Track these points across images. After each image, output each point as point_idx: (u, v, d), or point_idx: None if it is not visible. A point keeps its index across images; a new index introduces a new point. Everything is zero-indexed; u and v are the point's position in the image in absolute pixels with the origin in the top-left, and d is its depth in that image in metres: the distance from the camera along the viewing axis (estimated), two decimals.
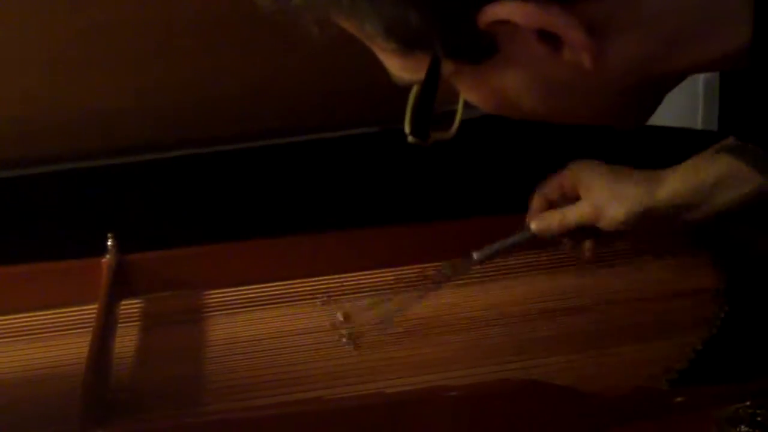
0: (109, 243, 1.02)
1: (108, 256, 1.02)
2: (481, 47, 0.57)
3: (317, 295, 1.03)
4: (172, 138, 1.24)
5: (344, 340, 0.94)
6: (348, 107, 1.25)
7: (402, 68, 0.60)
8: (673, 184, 0.89)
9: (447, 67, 0.59)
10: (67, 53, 1.13)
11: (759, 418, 0.74)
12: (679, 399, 0.80)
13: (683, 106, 1.59)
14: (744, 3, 0.56)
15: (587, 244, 0.97)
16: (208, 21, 1.14)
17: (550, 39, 0.55)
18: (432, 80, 0.59)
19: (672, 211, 0.89)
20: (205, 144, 1.26)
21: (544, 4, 0.53)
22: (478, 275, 1.05)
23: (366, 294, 1.03)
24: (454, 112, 0.65)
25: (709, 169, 0.87)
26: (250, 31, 1.03)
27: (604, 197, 0.90)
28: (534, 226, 0.95)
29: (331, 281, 1.05)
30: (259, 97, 1.24)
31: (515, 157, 1.25)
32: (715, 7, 0.56)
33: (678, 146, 1.29)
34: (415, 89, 0.63)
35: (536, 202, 0.97)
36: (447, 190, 1.21)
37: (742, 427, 0.74)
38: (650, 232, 0.96)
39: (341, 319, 0.98)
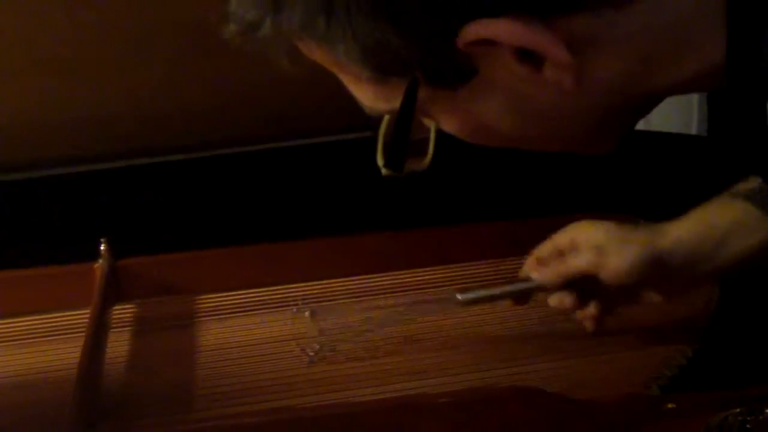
0: (101, 248, 1.02)
1: (101, 261, 1.02)
2: (460, 70, 0.56)
3: (309, 301, 1.03)
4: (163, 143, 1.24)
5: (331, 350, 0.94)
6: (339, 112, 1.25)
7: (376, 98, 0.59)
8: (681, 230, 0.83)
9: (423, 93, 0.57)
10: (58, 58, 1.13)
11: (748, 426, 0.74)
12: (669, 405, 0.80)
13: (678, 111, 1.59)
14: (718, 23, 0.56)
15: (591, 308, 0.90)
16: (201, 26, 1.14)
17: (529, 58, 0.55)
18: (409, 107, 0.57)
19: (681, 262, 0.82)
20: (197, 148, 1.26)
21: (526, 21, 0.53)
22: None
23: (359, 299, 1.03)
24: (423, 141, 0.64)
25: (723, 214, 0.82)
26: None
27: (609, 243, 0.84)
28: (535, 274, 0.88)
29: (323, 286, 1.04)
30: (251, 101, 1.24)
31: (507, 164, 1.25)
32: (690, 27, 0.56)
33: (673, 152, 1.30)
34: (386, 120, 0.62)
35: (529, 264, 0.90)
36: (439, 196, 1.21)
37: None
38: (661, 291, 0.86)
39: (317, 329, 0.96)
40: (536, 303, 0.97)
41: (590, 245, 0.84)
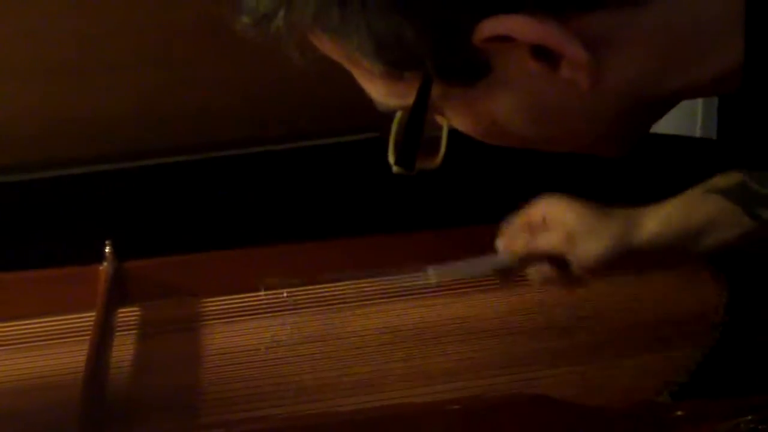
0: (106, 250, 1.02)
1: (106, 264, 1.01)
2: (474, 66, 0.55)
3: (315, 304, 1.02)
4: (169, 144, 1.24)
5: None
6: (346, 113, 1.25)
7: (388, 93, 0.58)
8: (657, 226, 0.84)
9: (436, 90, 0.56)
10: (65, 59, 1.13)
11: None
12: (680, 412, 0.80)
13: (682, 113, 1.59)
14: (736, 24, 0.55)
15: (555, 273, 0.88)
16: (206, 27, 1.14)
17: (545, 56, 0.54)
18: (422, 103, 0.56)
19: (654, 252, 0.84)
20: (203, 150, 1.26)
21: (543, 18, 0.52)
22: (477, 284, 1.04)
23: (364, 302, 1.02)
24: (435, 139, 0.64)
25: (697, 211, 0.83)
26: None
27: (580, 230, 0.84)
28: (499, 242, 0.89)
29: (329, 289, 1.04)
30: (256, 103, 1.23)
31: (509, 164, 1.24)
32: (709, 28, 0.55)
33: (676, 154, 1.29)
34: (399, 117, 0.62)
35: (501, 243, 0.89)
36: (441, 198, 1.21)
37: None
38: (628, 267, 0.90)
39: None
40: (542, 308, 0.97)
41: (561, 228, 0.85)
